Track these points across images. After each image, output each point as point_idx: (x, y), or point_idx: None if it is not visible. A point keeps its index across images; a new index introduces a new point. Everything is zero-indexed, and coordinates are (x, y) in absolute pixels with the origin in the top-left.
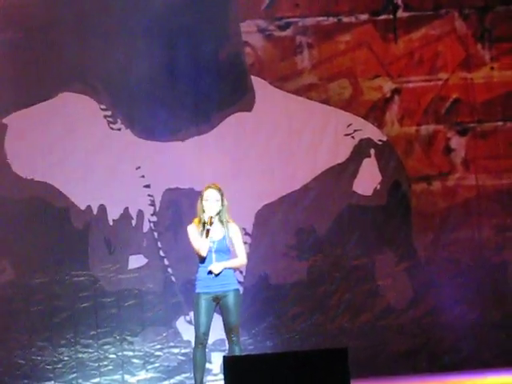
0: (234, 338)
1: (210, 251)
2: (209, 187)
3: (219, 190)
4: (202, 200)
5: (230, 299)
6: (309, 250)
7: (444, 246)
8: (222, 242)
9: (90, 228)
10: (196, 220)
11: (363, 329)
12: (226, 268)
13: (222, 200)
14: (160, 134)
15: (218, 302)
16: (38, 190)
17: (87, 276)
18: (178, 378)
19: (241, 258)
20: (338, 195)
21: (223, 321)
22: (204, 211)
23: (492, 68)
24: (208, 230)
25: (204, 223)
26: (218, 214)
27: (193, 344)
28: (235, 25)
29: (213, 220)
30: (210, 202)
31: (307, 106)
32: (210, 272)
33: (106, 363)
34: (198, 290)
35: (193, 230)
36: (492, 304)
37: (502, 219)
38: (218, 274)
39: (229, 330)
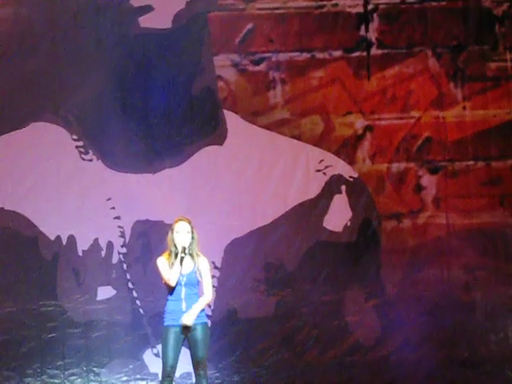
0: (201, 372)
1: (179, 284)
2: (179, 220)
3: (189, 222)
4: (172, 232)
5: (199, 332)
6: (277, 284)
7: (413, 284)
8: (191, 275)
9: (59, 258)
10: (166, 253)
11: (331, 365)
12: (195, 302)
13: (193, 232)
14: (131, 166)
15: (186, 335)
16: (8, 219)
17: (55, 306)
18: None
19: (207, 295)
20: (308, 231)
21: (191, 353)
22: (174, 244)
23: (464, 107)
24: (182, 258)
25: (176, 253)
26: (188, 246)
27: (160, 377)
28: (209, 58)
29: (186, 251)
30: (181, 234)
31: (279, 141)
32: (185, 326)
33: None
34: (166, 323)
35: (163, 262)
36: (460, 343)
37: (472, 259)
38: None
39: (196, 363)
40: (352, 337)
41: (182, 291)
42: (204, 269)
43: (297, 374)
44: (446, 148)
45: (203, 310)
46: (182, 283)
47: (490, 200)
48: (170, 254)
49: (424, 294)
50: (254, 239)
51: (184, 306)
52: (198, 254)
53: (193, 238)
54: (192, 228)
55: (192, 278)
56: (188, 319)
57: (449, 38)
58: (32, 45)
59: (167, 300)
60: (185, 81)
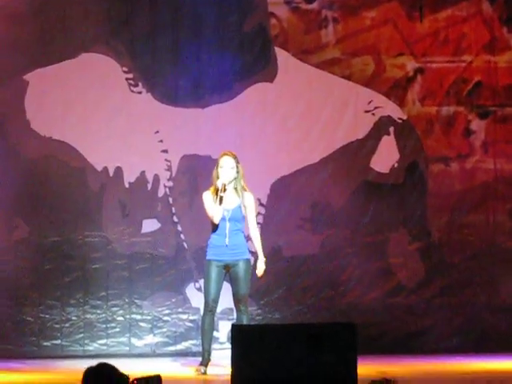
0: (242, 308)
1: (223, 219)
2: (224, 154)
3: (235, 157)
4: (217, 167)
5: (240, 268)
6: (323, 224)
7: (458, 228)
8: (236, 210)
9: (106, 190)
10: (212, 188)
11: (372, 306)
12: (239, 237)
13: (237, 167)
14: (181, 100)
15: (228, 271)
16: (56, 148)
17: (100, 237)
18: (185, 344)
19: (255, 233)
20: (355, 171)
21: (232, 290)
22: (218, 178)
23: None
24: (221, 197)
25: (217, 190)
26: (233, 181)
27: (201, 311)
28: None
29: (226, 187)
30: (225, 169)
31: (329, 81)
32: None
33: (113, 325)
34: (209, 257)
35: (208, 197)
36: (502, 288)
37: None
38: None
39: (237, 299)
40: (394, 279)
41: (227, 226)
42: (249, 204)
43: (338, 313)
44: (496, 93)
45: (247, 246)
46: (227, 218)
47: None
48: (215, 189)
49: (468, 238)
50: (301, 178)
51: (227, 240)
52: (243, 189)
53: (237, 172)
54: (237, 163)
55: (237, 213)
56: (261, 270)
57: None
58: None
59: (211, 234)
60: (237, 17)
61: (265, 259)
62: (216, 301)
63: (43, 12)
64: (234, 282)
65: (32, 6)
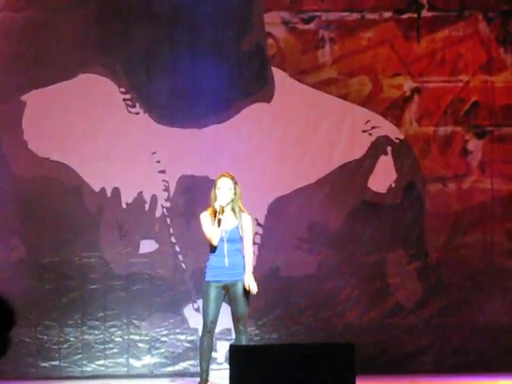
0: (241, 328)
1: (221, 240)
2: (222, 176)
3: (232, 178)
4: (214, 188)
5: (239, 288)
6: (320, 244)
7: (455, 248)
8: (234, 231)
9: (103, 210)
10: (210, 209)
11: (371, 326)
12: (237, 258)
13: (235, 189)
14: (178, 121)
15: (228, 291)
16: (53, 169)
17: (98, 258)
18: (183, 364)
19: (249, 253)
20: (353, 191)
21: (231, 310)
22: (216, 200)
23: None
24: (220, 220)
25: (215, 212)
26: (231, 202)
27: (200, 332)
28: (259, 15)
29: (224, 209)
30: (223, 191)
31: (326, 101)
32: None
33: (111, 346)
34: (207, 279)
35: (206, 218)
36: (500, 308)
37: None
38: (231, 264)
39: (237, 319)
40: (393, 299)
41: (225, 247)
42: (246, 225)
43: (336, 334)
44: (493, 113)
45: (244, 267)
46: (225, 239)
47: None
48: (213, 210)
49: (466, 258)
50: (299, 198)
51: (227, 261)
52: (241, 210)
53: (235, 194)
54: (234, 184)
55: (234, 233)
56: (253, 286)
57: (500, 2)
58: None
59: (209, 255)
60: (234, 37)
61: (252, 273)
62: (215, 322)
63: (38, 31)
64: (232, 302)
65: (27, 24)
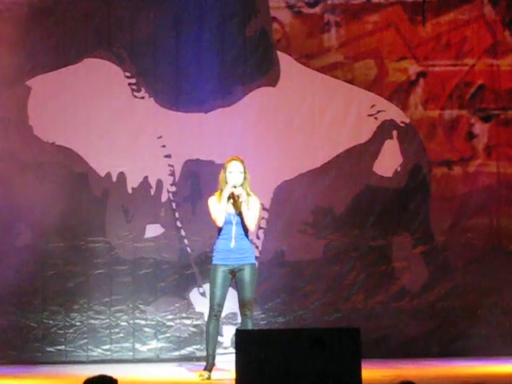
0: (247, 312)
1: (230, 223)
2: (232, 159)
3: (242, 162)
4: (225, 171)
5: (246, 273)
6: (326, 228)
7: (461, 232)
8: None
9: (109, 195)
10: (218, 192)
11: (376, 310)
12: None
13: (245, 172)
14: (183, 105)
15: (234, 275)
16: (59, 154)
17: (103, 243)
18: (189, 349)
19: (252, 222)
20: (358, 175)
21: (238, 294)
22: (227, 182)
23: None
24: (229, 198)
25: (233, 197)
26: (241, 186)
27: (205, 316)
28: (264, 0)
29: (241, 196)
30: (235, 174)
31: (331, 85)
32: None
33: (117, 330)
34: (215, 262)
35: (214, 201)
36: (506, 291)
37: None
38: (239, 247)
39: (242, 304)
40: (398, 283)
41: (233, 230)
42: (254, 207)
43: (342, 318)
44: (498, 96)
45: (253, 251)
46: (233, 222)
47: None
48: (221, 193)
49: (472, 242)
50: (304, 182)
51: (234, 243)
52: (249, 194)
53: (245, 178)
54: (245, 168)
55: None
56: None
57: None
58: None
59: (217, 239)
60: (239, 21)
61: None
62: (221, 305)
63: (44, 16)
64: (239, 286)
65: (33, 9)
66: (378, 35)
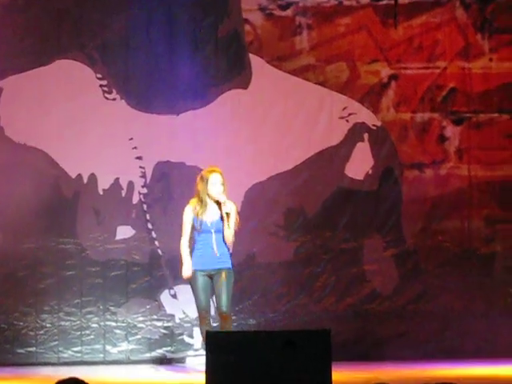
0: (224, 315)
1: (209, 232)
2: (213, 171)
3: (221, 173)
4: (206, 183)
5: (223, 276)
6: (297, 230)
7: (432, 235)
8: (219, 222)
9: (80, 197)
10: (193, 200)
11: (347, 312)
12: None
13: (224, 183)
14: (155, 107)
15: (212, 279)
16: (30, 155)
17: (74, 244)
18: (159, 351)
19: (231, 233)
20: (330, 178)
21: (215, 298)
22: (208, 194)
23: (490, 59)
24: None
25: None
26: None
27: (176, 318)
28: (236, 1)
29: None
30: (217, 186)
31: (303, 87)
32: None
33: (88, 332)
34: (194, 267)
35: (187, 216)
36: (477, 295)
37: (493, 211)
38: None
39: (220, 306)
40: (369, 285)
41: (213, 238)
42: (231, 212)
43: (313, 320)
44: (470, 99)
45: (229, 256)
46: (212, 230)
47: None
48: (198, 202)
49: (443, 244)
50: (275, 184)
51: (217, 251)
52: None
53: (224, 188)
54: (223, 178)
55: (220, 224)
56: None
57: None
58: None
59: (196, 244)
60: (211, 23)
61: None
62: (208, 310)
63: (16, 17)
64: (216, 289)
65: (4, 10)
66: (349, 38)
